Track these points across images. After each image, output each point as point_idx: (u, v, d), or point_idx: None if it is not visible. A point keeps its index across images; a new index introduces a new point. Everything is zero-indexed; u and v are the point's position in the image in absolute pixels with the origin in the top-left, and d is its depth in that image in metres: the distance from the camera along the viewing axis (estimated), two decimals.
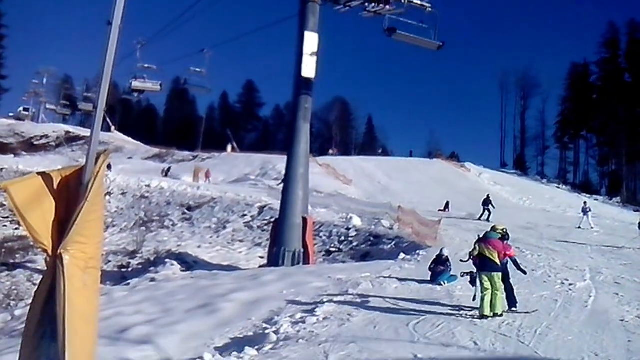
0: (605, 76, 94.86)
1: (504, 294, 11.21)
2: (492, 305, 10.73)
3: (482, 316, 10.60)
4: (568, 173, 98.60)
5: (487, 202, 34.80)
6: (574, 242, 24.36)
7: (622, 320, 10.63)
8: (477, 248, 11.31)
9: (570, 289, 13.71)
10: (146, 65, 39.54)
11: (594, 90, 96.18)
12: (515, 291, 11.59)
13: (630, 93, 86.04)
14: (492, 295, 10.79)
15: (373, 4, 23.95)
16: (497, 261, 11.10)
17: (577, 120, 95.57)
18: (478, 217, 33.99)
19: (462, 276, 12.28)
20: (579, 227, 29.30)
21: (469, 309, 11.31)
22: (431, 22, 24.21)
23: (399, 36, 23.87)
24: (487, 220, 31.87)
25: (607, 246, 23.73)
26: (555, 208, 50.60)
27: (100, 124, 4.88)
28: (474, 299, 11.24)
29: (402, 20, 23.79)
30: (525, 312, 11.03)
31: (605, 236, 27.73)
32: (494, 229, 12.18)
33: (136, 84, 41.18)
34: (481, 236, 11.92)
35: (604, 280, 15.29)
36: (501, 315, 10.70)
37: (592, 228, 29.48)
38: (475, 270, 11.49)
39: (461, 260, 12.76)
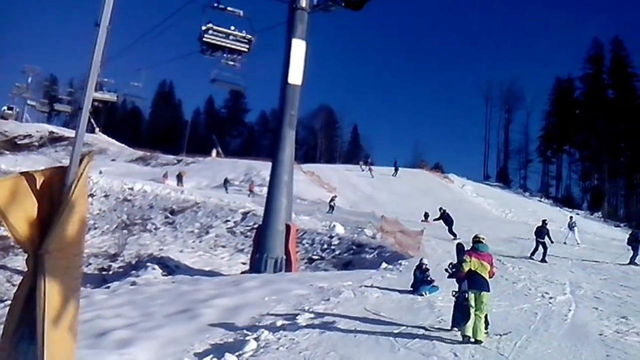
0: (588, 92, 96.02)
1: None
2: (475, 331, 9.62)
3: (465, 336, 9.67)
4: (550, 187, 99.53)
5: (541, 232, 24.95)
6: (554, 256, 24.48)
7: (600, 335, 10.68)
8: (469, 262, 10.05)
9: (550, 302, 13.77)
10: (105, 80, 36.01)
11: (578, 106, 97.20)
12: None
13: (612, 109, 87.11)
14: (475, 317, 9.66)
15: None
16: (487, 278, 10.06)
17: (560, 135, 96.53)
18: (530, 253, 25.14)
19: (453, 296, 10.59)
20: (564, 243, 29.26)
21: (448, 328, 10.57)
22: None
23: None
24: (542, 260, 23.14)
25: (588, 260, 23.88)
26: (537, 221, 50.69)
27: (85, 125, 4.85)
28: (462, 323, 10.00)
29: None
30: (498, 335, 10.21)
31: (587, 250, 27.92)
32: (480, 240, 10.50)
33: (96, 95, 36.24)
34: (467, 247, 10.88)
35: (584, 294, 15.38)
36: (481, 342, 9.55)
37: (578, 244, 29.48)
38: (460, 287, 10.38)
39: (446, 270, 11.90)
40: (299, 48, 24.26)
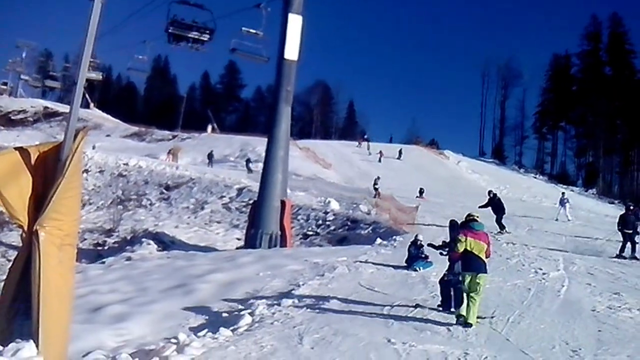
0: (585, 68, 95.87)
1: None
2: (469, 313, 9.01)
3: (459, 316, 9.21)
4: (545, 163, 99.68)
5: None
6: (549, 232, 24.61)
7: (593, 310, 10.72)
8: (464, 241, 9.32)
9: (543, 278, 13.82)
10: (91, 60, 33.95)
11: (574, 82, 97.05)
12: None
13: (609, 86, 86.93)
14: (469, 300, 9.07)
15: None
16: (484, 259, 9.36)
17: (556, 111, 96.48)
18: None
19: (446, 280, 10.25)
20: (556, 219, 29.30)
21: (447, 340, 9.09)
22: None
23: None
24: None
25: (582, 237, 23.99)
26: (531, 198, 51.12)
27: (79, 100, 4.85)
28: (456, 307, 9.81)
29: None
30: (482, 317, 9.51)
31: (581, 227, 28.02)
32: (474, 218, 9.80)
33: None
34: (458, 224, 10.41)
35: (577, 270, 15.42)
36: (470, 326, 8.92)
37: (569, 220, 29.47)
38: (453, 268, 9.96)
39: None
40: (295, 23, 24.15)
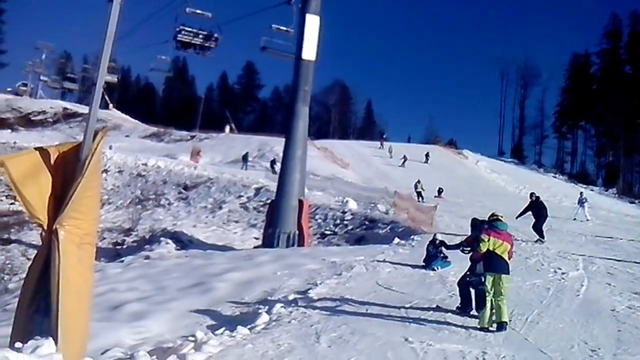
0: (605, 67, 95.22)
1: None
2: (498, 313, 8.82)
3: (483, 328, 8.78)
4: (565, 163, 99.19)
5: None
6: (568, 232, 24.45)
7: (612, 310, 10.65)
8: (487, 241, 9.09)
9: (562, 278, 13.73)
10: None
11: (594, 81, 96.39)
12: None
13: (629, 85, 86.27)
14: (497, 301, 8.83)
15: None
16: (508, 260, 9.18)
17: (576, 111, 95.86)
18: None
19: (469, 280, 9.83)
20: (574, 219, 29.09)
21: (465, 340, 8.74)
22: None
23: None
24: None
25: (601, 236, 23.79)
26: (551, 197, 50.56)
27: (98, 100, 4.90)
28: (477, 309, 9.56)
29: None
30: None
31: (600, 227, 27.80)
32: (498, 217, 9.50)
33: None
34: (484, 225, 9.88)
35: (597, 270, 15.31)
36: (505, 328, 8.74)
37: (587, 220, 29.20)
38: (475, 269, 9.72)
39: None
40: (313, 23, 24.20)
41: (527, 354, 7.73)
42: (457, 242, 11.83)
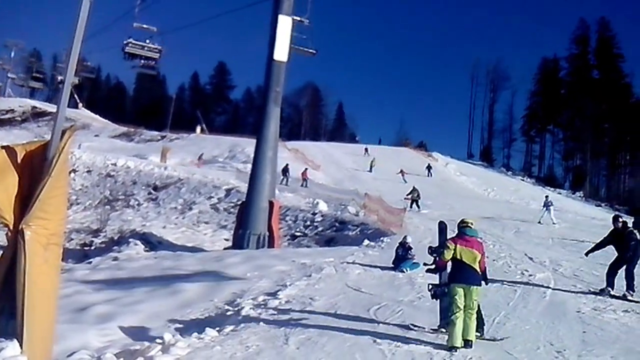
0: (573, 72, 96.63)
1: None
2: (465, 330, 7.96)
3: (452, 347, 7.87)
4: (533, 166, 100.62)
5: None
6: (535, 234, 24.72)
7: (578, 312, 10.78)
8: (452, 249, 8.30)
9: (529, 280, 13.91)
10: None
11: (563, 86, 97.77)
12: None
13: (597, 90, 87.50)
14: (465, 317, 8.00)
15: None
16: (479, 270, 8.33)
17: (544, 115, 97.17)
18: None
19: (429, 290, 9.00)
20: (540, 222, 29.35)
21: (431, 331, 8.86)
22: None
23: None
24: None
25: (568, 239, 24.10)
26: (519, 200, 51.31)
27: (67, 99, 4.86)
28: (439, 326, 8.78)
29: None
30: (491, 340, 8.54)
31: (567, 229, 28.16)
32: (467, 224, 8.62)
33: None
34: (447, 227, 9.47)
35: (563, 272, 15.54)
36: (470, 346, 7.96)
37: (554, 223, 29.49)
38: (440, 278, 9.08)
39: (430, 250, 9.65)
40: (285, 24, 24.16)
41: (493, 355, 7.79)
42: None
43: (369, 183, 39.94)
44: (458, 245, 8.28)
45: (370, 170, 54.88)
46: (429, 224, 24.43)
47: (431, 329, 8.90)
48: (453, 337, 7.90)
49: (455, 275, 8.29)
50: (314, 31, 26.51)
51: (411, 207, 32.34)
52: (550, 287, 13.17)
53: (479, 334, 8.34)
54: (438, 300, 8.89)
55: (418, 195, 33.60)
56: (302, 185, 39.35)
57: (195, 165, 48.85)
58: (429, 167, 57.60)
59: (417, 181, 51.50)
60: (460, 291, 8.09)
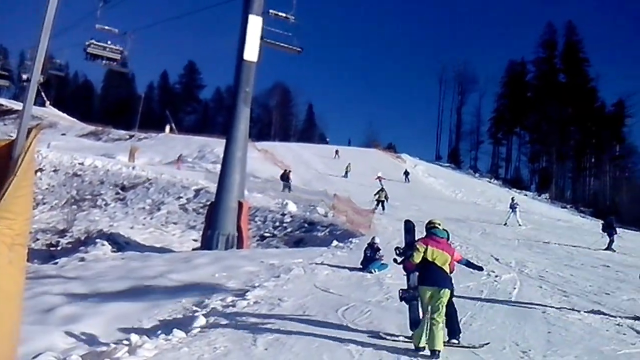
0: (540, 76, 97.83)
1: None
2: (433, 338, 7.60)
3: (418, 348, 7.79)
4: (500, 168, 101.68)
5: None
6: (502, 236, 25.04)
7: (543, 312, 10.93)
8: (421, 251, 8.01)
9: (495, 281, 14.10)
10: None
11: (529, 89, 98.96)
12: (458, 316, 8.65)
13: (563, 93, 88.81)
14: (431, 322, 7.67)
15: None
16: (449, 272, 8.07)
17: (511, 117, 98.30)
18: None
19: (400, 295, 8.55)
20: (505, 224, 29.71)
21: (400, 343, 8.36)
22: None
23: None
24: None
25: (534, 241, 24.46)
26: (486, 202, 51.92)
27: (33, 97, 4.80)
28: (411, 327, 8.37)
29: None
30: (468, 347, 8.20)
31: (533, 231, 28.56)
32: (435, 225, 8.40)
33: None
34: (417, 227, 9.02)
35: (529, 273, 15.77)
36: (438, 355, 7.60)
37: (520, 225, 29.88)
38: (409, 281, 8.58)
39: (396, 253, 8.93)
40: (255, 24, 24.10)
41: (460, 356, 7.85)
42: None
43: (338, 184, 40.01)
44: (429, 247, 8.00)
45: (346, 176, 53.05)
46: (397, 224, 24.48)
47: (404, 337, 8.48)
48: (420, 337, 7.76)
49: (425, 277, 7.98)
50: (300, 28, 26.41)
51: (376, 207, 32.37)
52: (516, 288, 13.36)
53: (455, 342, 8.16)
54: (408, 305, 8.52)
55: (386, 196, 33.53)
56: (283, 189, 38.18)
57: (175, 166, 48.10)
58: (406, 173, 57.09)
59: (395, 186, 51.76)
60: (428, 293, 7.83)
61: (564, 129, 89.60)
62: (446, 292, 7.84)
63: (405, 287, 8.58)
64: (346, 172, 53.66)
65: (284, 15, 25.66)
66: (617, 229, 24.54)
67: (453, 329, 8.23)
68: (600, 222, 27.00)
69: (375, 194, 33.84)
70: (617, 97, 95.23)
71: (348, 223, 26.25)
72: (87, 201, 36.20)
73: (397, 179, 53.81)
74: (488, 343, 8.31)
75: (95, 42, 33.19)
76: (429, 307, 7.78)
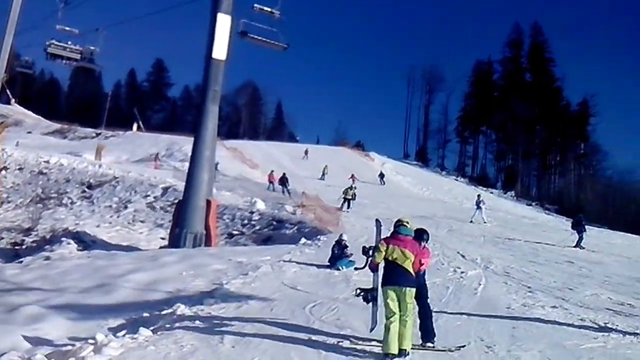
0: (507, 75, 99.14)
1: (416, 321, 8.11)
2: (400, 337, 7.45)
3: (387, 355, 7.40)
4: (466, 166, 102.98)
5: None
6: (468, 233, 25.29)
7: (508, 308, 11.09)
8: (383, 250, 7.77)
9: (461, 277, 14.25)
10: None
11: (496, 88, 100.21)
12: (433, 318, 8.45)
13: (529, 93, 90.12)
14: (400, 322, 7.48)
15: None
16: (412, 271, 7.69)
17: (477, 116, 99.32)
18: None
19: (356, 295, 8.42)
20: (471, 222, 29.94)
21: (368, 340, 8.24)
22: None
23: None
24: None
25: (500, 237, 24.76)
26: (452, 199, 52.44)
27: None
28: (371, 330, 8.12)
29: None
30: (444, 350, 8.01)
31: (499, 228, 28.90)
32: (402, 223, 8.06)
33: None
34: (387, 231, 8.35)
35: (494, 269, 15.94)
36: (407, 354, 7.47)
37: (485, 222, 30.15)
38: (375, 284, 8.19)
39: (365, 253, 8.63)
40: (224, 23, 24.02)
41: (425, 351, 7.94)
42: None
43: (306, 182, 40.03)
44: (390, 245, 7.75)
45: (323, 178, 51.37)
46: (365, 222, 24.70)
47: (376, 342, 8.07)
48: (388, 343, 7.40)
49: (387, 277, 7.72)
50: (285, 24, 25.83)
51: (342, 206, 32.18)
52: (481, 284, 13.51)
53: (431, 345, 8.01)
54: (370, 304, 8.24)
55: (353, 195, 33.32)
56: (283, 192, 37.38)
57: (153, 166, 47.42)
58: (381, 175, 55.89)
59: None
60: (392, 294, 7.58)
61: (530, 128, 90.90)
62: (407, 291, 7.59)
63: (364, 287, 8.40)
64: (323, 174, 52.16)
65: (269, 10, 25.34)
66: (586, 227, 24.92)
67: (427, 332, 8.13)
68: (565, 219, 27.51)
69: (343, 191, 33.57)
70: (581, 96, 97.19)
71: (316, 221, 26.32)
72: (52, 199, 35.74)
73: (371, 181, 53.76)
74: (465, 345, 8.17)
75: (55, 42, 33.65)
76: (399, 308, 7.53)
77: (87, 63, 38.76)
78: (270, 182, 39.81)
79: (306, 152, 64.23)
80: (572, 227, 24.95)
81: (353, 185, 35.07)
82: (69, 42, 34.04)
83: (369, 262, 8.25)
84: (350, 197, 32.80)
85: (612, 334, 9.54)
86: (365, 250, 8.42)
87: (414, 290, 7.68)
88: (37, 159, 42.41)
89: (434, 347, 8.03)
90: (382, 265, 7.92)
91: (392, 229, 8.15)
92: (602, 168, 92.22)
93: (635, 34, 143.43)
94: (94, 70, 36.64)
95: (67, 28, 33.60)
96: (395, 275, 7.63)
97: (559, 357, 8.04)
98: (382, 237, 8.23)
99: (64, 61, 34.45)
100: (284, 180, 38.46)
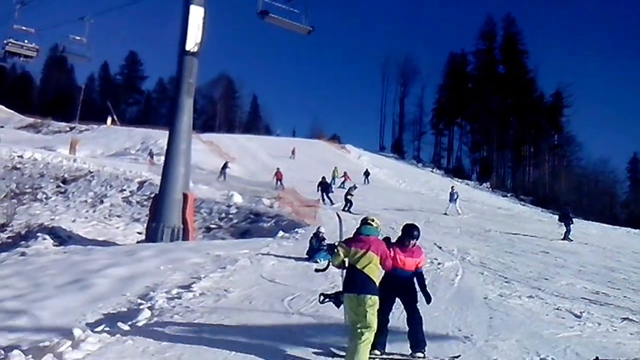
0: (480, 67, 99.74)
1: (381, 333, 7.10)
2: (350, 354, 6.51)
3: None
4: (442, 158, 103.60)
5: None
6: (444, 224, 25.45)
7: (485, 298, 11.18)
8: (340, 253, 6.83)
9: (438, 268, 14.35)
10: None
11: (470, 80, 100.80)
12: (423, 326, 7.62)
13: (503, 84, 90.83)
14: (353, 334, 6.54)
15: None
16: (374, 277, 6.70)
17: (452, 108, 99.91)
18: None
19: (321, 302, 7.42)
20: (445, 214, 29.94)
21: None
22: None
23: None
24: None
25: (476, 228, 24.95)
26: (429, 191, 52.68)
27: None
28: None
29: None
30: None
31: (475, 219, 29.12)
32: (367, 221, 7.13)
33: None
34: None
35: (471, 260, 16.08)
36: None
37: (459, 214, 30.19)
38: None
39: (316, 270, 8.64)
40: (197, 15, 23.88)
41: (402, 344, 7.93)
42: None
43: (283, 175, 39.84)
44: (352, 248, 6.78)
45: (333, 182, 42.01)
46: (342, 215, 24.68)
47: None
48: (349, 353, 6.57)
49: (345, 282, 6.89)
50: (310, 6, 23.77)
51: (323, 200, 31.68)
52: (458, 275, 13.63)
53: (421, 355, 7.26)
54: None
55: (328, 188, 32.65)
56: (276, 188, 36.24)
57: (148, 163, 45.94)
58: (366, 174, 51.51)
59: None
60: (348, 302, 6.74)
61: (504, 119, 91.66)
62: (367, 299, 6.55)
63: (328, 292, 7.67)
64: (333, 178, 44.31)
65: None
66: (573, 219, 25.18)
67: (417, 341, 7.39)
68: (540, 209, 27.80)
69: (318, 184, 32.87)
70: (555, 87, 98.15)
71: (294, 214, 26.37)
72: (27, 195, 35.37)
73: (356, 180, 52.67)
74: (459, 356, 7.48)
75: (12, 41, 34.70)
76: (356, 318, 6.59)
77: (75, 54, 38.48)
78: (279, 180, 38.50)
79: (293, 152, 60.64)
80: (559, 220, 25.17)
81: (354, 185, 33.94)
82: (26, 41, 35.22)
83: (328, 265, 7.59)
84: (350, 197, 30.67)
85: (587, 323, 9.69)
86: (331, 248, 7.20)
87: (375, 298, 6.62)
88: (10, 153, 41.99)
89: (424, 357, 7.29)
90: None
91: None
92: (576, 159, 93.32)
93: (609, 24, 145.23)
94: (87, 58, 36.54)
95: (23, 27, 35.06)
96: (352, 281, 6.72)
97: (536, 346, 8.09)
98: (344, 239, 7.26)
99: (21, 58, 35.60)
100: (279, 177, 37.82)
